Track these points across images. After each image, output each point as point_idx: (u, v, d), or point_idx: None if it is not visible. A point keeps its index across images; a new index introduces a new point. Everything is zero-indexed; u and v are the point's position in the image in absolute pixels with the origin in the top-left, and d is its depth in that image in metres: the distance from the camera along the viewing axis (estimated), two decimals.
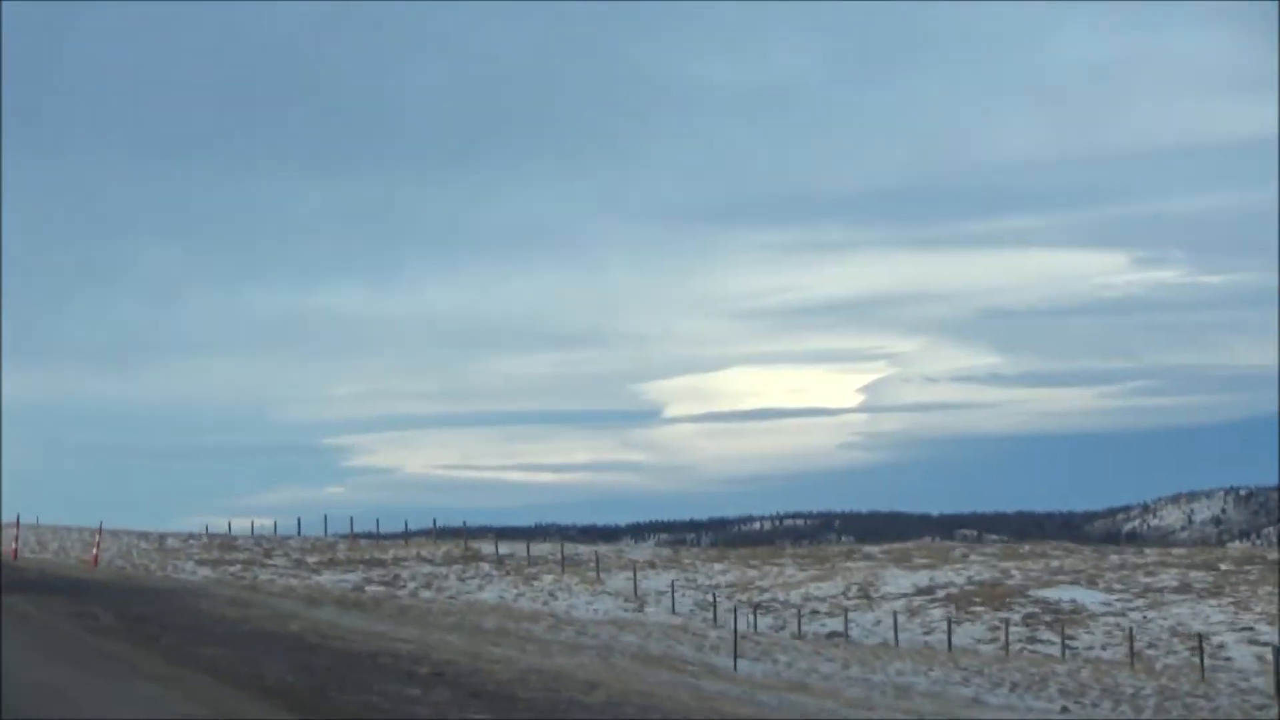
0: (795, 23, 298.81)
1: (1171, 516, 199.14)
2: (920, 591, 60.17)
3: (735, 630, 39.10)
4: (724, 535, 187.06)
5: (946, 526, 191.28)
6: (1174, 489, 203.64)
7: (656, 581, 60.46)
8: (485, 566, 64.20)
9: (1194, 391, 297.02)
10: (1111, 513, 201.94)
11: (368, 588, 58.07)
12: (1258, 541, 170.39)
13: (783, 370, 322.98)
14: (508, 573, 62.45)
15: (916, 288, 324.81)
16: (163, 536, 78.83)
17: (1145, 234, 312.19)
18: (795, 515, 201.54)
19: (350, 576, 60.97)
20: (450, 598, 56.46)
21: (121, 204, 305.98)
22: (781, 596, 59.01)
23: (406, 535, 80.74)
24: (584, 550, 69.46)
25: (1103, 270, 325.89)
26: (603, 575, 61.09)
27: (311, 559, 66.16)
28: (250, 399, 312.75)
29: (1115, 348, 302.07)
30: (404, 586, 59.33)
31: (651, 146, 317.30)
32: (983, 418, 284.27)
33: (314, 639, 21.04)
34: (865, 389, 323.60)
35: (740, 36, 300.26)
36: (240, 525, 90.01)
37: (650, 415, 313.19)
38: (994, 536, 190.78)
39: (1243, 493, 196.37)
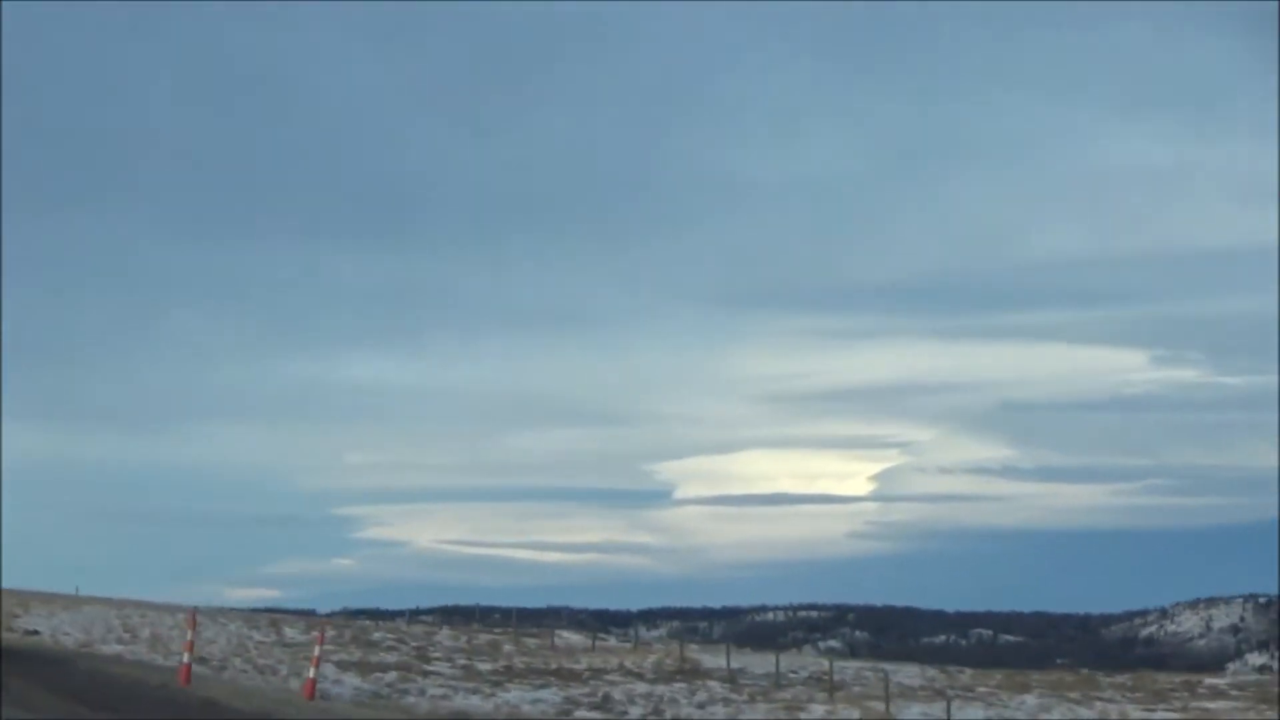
0: (837, 119, 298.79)
1: (1189, 623, 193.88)
2: None
3: None
4: (737, 626, 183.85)
5: (962, 625, 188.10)
6: (1191, 593, 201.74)
7: (958, 715, 44.44)
8: (715, 686, 48.24)
9: (1210, 493, 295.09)
10: (1129, 616, 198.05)
11: (577, 713, 42.44)
12: (1277, 654, 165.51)
13: (795, 455, 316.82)
14: (751, 698, 46.45)
15: (937, 378, 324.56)
16: (275, 622, 63.58)
17: (1166, 334, 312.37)
18: (809, 607, 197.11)
19: (546, 694, 45.11)
20: None
21: (152, 267, 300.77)
22: None
23: (410, 614, 75.45)
24: (828, 664, 53.25)
25: (1123, 368, 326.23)
26: (890, 706, 45.02)
27: (483, 665, 50.46)
28: (267, 467, 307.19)
29: (1133, 445, 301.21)
30: (624, 712, 43.50)
31: (685, 233, 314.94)
32: (996, 510, 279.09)
33: None
34: (877, 477, 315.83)
35: (782, 130, 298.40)
36: (246, 597, 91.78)
37: (661, 496, 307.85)
38: (1009, 637, 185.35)
39: (1262, 600, 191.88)
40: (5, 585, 68.10)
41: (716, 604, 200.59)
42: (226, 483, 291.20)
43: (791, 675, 51.38)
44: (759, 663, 53.98)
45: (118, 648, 44.87)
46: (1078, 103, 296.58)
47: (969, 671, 55.22)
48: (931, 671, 54.04)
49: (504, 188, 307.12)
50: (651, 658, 53.62)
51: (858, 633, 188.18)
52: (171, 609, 70.91)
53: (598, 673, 49.91)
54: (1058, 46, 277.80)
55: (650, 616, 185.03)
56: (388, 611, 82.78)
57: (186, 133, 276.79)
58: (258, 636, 55.63)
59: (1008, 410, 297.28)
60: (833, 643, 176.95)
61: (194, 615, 32.90)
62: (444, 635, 61.85)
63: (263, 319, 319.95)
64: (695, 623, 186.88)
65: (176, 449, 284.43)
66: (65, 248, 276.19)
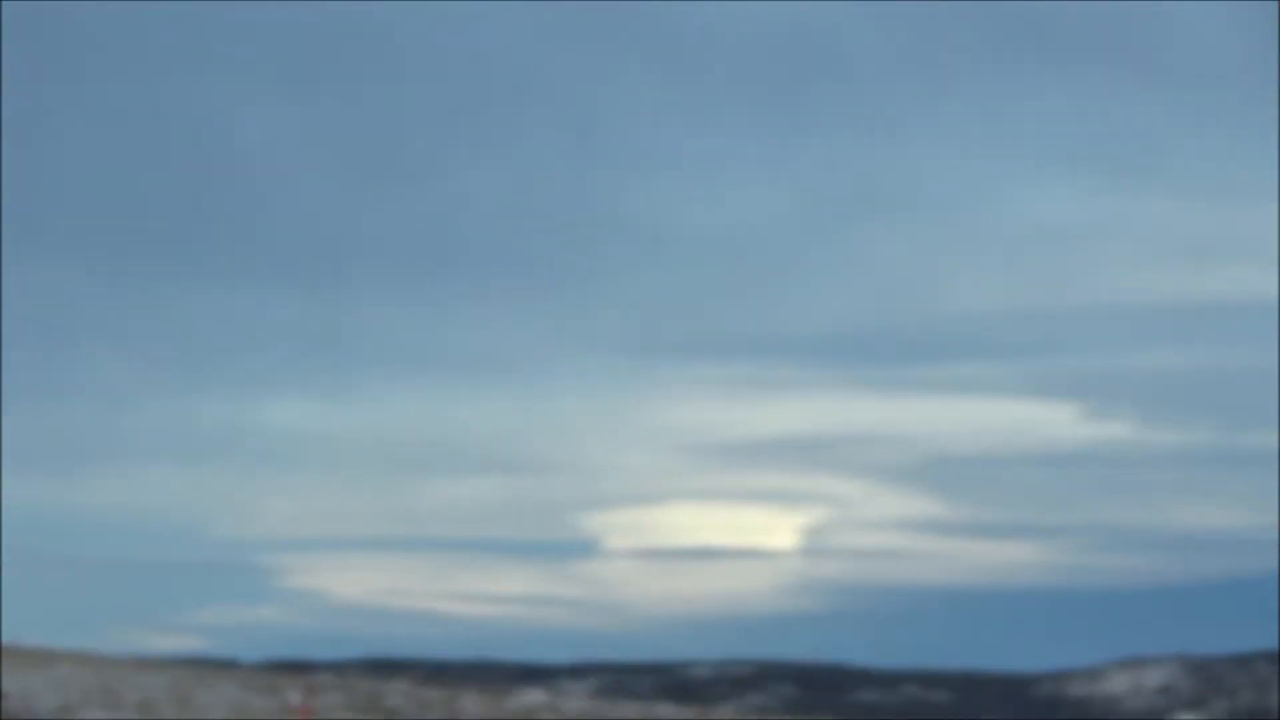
0: (763, 169, 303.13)
1: (1120, 683, 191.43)
2: None
3: None
4: (666, 680, 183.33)
5: (892, 683, 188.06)
6: (1120, 651, 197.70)
7: None
8: None
9: (1139, 551, 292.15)
10: (1059, 676, 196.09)
11: None
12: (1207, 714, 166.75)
13: (722, 507, 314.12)
14: None
15: (864, 430, 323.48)
16: (275, 686, 56.49)
17: (1097, 388, 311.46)
18: (737, 663, 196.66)
19: None
20: None
21: (66, 307, 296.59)
22: None
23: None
24: None
25: (1053, 422, 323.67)
26: None
27: None
28: (187, 512, 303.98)
29: (1061, 501, 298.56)
30: None
31: (611, 281, 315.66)
32: (923, 567, 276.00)
33: None
34: (803, 531, 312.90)
35: (708, 179, 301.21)
36: (167, 644, 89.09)
37: (587, 548, 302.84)
38: (940, 695, 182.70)
39: (1194, 661, 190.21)
40: None
41: (643, 658, 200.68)
42: (144, 528, 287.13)
43: None
44: None
45: (103, 715, 37.96)
46: (1001, 156, 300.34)
47: None
48: None
49: (429, 235, 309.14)
50: None
51: (786, 689, 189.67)
52: (154, 664, 64.15)
53: None
54: (981, 100, 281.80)
55: (577, 672, 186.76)
56: (314, 662, 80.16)
57: (101, 170, 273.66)
58: (259, 702, 48.55)
59: (935, 463, 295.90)
60: (762, 698, 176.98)
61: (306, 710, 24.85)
62: (469, 701, 54.76)
63: (182, 361, 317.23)
64: (622, 677, 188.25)
65: (92, 493, 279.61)
66: None
